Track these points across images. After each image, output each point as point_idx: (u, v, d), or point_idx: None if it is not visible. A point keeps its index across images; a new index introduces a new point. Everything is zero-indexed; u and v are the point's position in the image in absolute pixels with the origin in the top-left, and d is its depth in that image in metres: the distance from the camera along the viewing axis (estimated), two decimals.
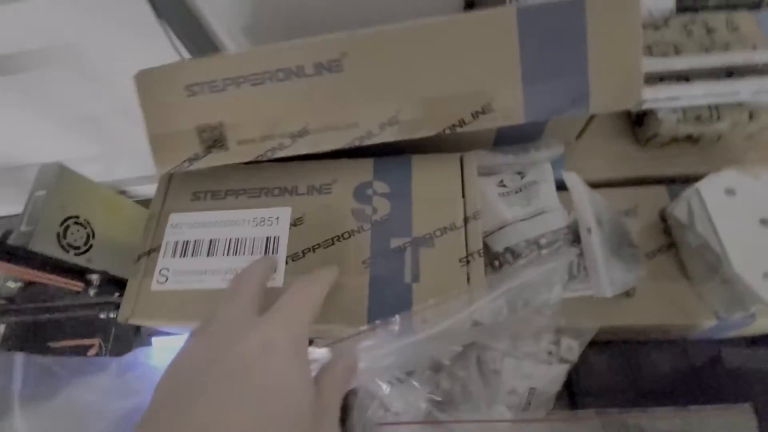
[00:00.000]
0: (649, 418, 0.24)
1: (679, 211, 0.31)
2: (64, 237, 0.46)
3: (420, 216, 0.28)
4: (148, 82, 0.29)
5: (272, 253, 0.28)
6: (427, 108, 0.28)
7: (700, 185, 0.31)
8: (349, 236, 0.28)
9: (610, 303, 0.32)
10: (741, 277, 0.27)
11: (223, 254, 0.29)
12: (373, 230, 0.28)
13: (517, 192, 0.34)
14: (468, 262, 0.26)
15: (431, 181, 0.29)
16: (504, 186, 0.35)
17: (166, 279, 0.29)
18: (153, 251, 0.30)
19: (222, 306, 0.21)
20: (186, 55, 0.44)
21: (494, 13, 0.27)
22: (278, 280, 0.27)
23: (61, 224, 0.45)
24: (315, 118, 0.28)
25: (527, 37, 0.26)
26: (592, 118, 0.34)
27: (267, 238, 0.29)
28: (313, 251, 0.28)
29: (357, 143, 0.28)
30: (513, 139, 0.35)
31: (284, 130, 0.29)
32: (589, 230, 0.28)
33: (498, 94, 0.27)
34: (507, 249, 0.32)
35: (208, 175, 0.31)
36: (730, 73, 0.34)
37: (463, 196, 0.28)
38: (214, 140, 0.29)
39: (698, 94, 0.32)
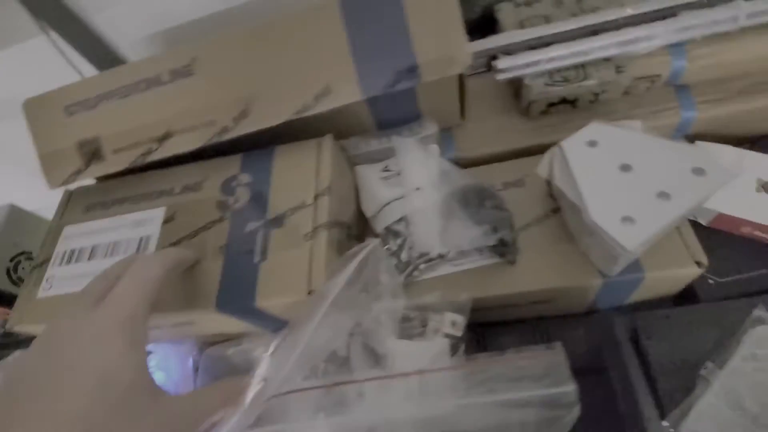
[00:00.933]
0: (470, 367, 0.23)
1: (541, 169, 0.30)
2: (15, 271, 0.49)
3: (275, 199, 0.29)
4: (34, 108, 0.32)
5: (143, 251, 0.29)
6: (272, 98, 0.29)
7: (564, 141, 0.30)
8: (212, 226, 0.29)
9: (495, 273, 0.31)
10: (596, 223, 0.26)
11: (103, 257, 0.30)
12: (232, 218, 0.29)
13: (398, 174, 0.35)
14: (312, 236, 0.27)
15: (289, 166, 0.30)
16: (388, 170, 0.35)
17: (51, 286, 0.30)
18: (45, 262, 0.32)
19: (63, 309, 0.22)
20: None
21: (320, 5, 0.29)
22: None
23: (12, 260, 0.49)
24: (175, 121, 0.30)
25: (352, 23, 0.28)
26: (463, 94, 0.35)
27: (140, 238, 0.30)
28: (179, 244, 0.29)
29: (216, 139, 0.30)
30: (391, 122, 0.36)
31: (150, 136, 0.31)
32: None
33: (334, 76, 0.29)
34: (387, 229, 0.32)
35: (98, 188, 0.34)
36: (596, 32, 0.34)
37: (317, 177, 0.29)
38: (93, 153, 0.32)
39: (555, 55, 0.32)
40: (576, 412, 0.20)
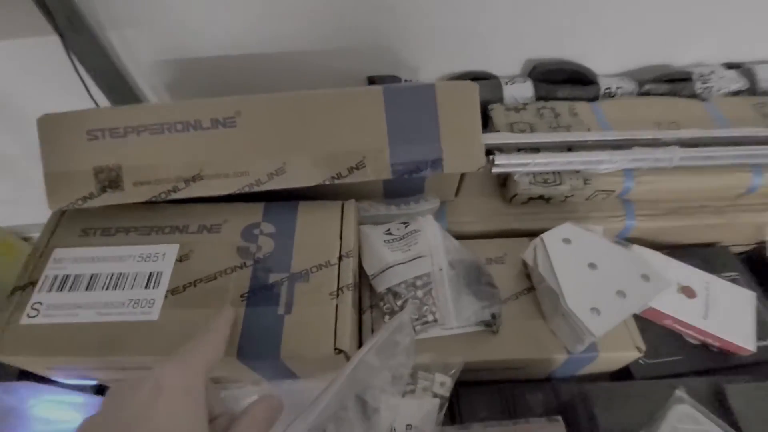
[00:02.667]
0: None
1: (527, 256, 0.36)
2: None
3: (300, 254, 0.31)
4: (50, 125, 0.31)
5: (154, 287, 0.29)
6: (310, 162, 0.32)
7: (544, 235, 0.37)
8: (232, 271, 0.30)
9: (479, 340, 0.36)
10: (572, 311, 0.32)
11: (103, 288, 0.29)
12: (255, 266, 0.30)
13: (401, 239, 0.38)
14: (338, 295, 0.29)
15: (314, 223, 0.33)
16: (390, 234, 0.39)
17: (38, 313, 0.28)
18: (29, 285, 0.30)
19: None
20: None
21: (366, 90, 0.33)
22: (154, 314, 0.28)
23: None
24: (209, 165, 0.31)
25: (392, 111, 0.32)
26: (462, 178, 0.41)
27: (150, 273, 0.30)
28: (195, 285, 0.29)
29: (247, 189, 0.32)
30: (399, 192, 0.40)
31: (179, 175, 0.31)
32: (440, 269, 0.32)
33: (370, 154, 0.32)
34: (388, 290, 0.35)
35: (100, 213, 0.33)
36: (569, 147, 0.42)
37: (341, 238, 0.32)
38: (110, 181, 0.31)
39: (541, 161, 0.40)
40: None
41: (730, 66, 0.53)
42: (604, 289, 0.33)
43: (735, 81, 0.51)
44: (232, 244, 0.31)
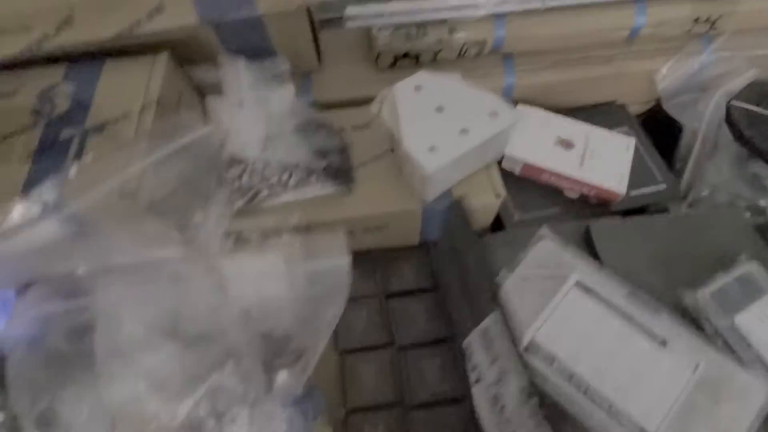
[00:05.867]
0: None
1: (374, 106, 0.34)
2: None
3: (98, 109, 0.28)
4: None
5: None
6: (101, 7, 0.28)
7: (397, 85, 0.34)
8: (21, 132, 0.27)
9: (331, 201, 0.34)
10: (408, 151, 0.30)
11: None
12: (47, 125, 0.28)
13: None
14: (133, 145, 0.27)
15: (119, 78, 0.30)
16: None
17: None
18: None
19: None
20: None
21: None
22: None
23: None
24: None
25: None
26: (317, 40, 0.37)
27: None
28: None
29: (36, 47, 0.28)
30: (241, 51, 0.36)
31: None
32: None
33: None
34: (230, 155, 0.33)
35: None
36: None
37: (147, 89, 0.29)
38: None
39: (397, 9, 0.36)
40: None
41: None
42: (446, 129, 0.31)
43: None
44: (26, 108, 0.28)
